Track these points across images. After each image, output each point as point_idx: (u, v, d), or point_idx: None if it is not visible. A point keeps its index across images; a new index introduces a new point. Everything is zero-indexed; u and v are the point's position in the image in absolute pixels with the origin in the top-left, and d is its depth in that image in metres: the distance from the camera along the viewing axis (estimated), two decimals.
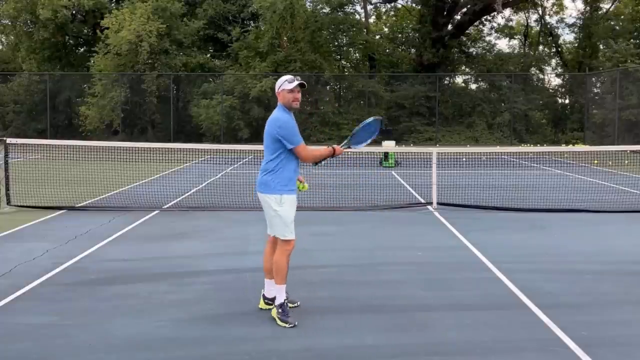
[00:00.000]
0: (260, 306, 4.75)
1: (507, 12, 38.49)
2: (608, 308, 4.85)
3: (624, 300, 5.05)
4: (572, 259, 6.51)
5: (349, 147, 4.76)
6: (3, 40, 39.70)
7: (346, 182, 13.26)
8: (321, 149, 4.55)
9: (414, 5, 39.45)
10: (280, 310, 4.39)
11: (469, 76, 37.89)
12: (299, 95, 4.47)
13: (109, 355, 3.89)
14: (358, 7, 37.83)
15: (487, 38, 40.22)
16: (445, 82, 35.38)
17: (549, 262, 6.35)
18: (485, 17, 37.97)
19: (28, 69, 32.82)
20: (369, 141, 4.89)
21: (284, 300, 4.43)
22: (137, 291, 5.28)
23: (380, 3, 41.23)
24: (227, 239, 7.57)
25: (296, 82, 4.41)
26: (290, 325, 4.27)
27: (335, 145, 4.62)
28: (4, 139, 10.04)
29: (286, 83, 4.43)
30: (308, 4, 32.65)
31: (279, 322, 4.33)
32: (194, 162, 19.01)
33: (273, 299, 4.66)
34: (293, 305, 4.70)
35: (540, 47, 40.31)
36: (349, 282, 5.59)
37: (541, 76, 38.13)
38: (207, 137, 29.56)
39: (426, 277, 5.77)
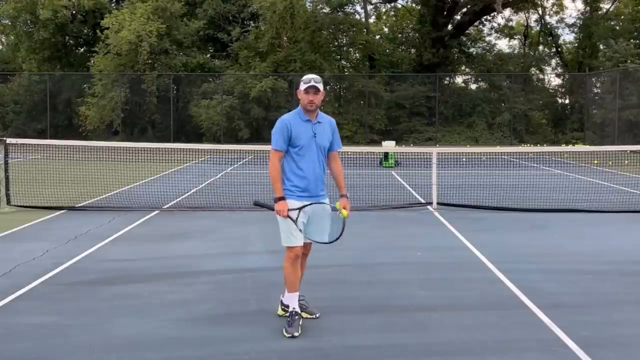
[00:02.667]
0: (278, 313, 4.61)
1: (507, 12, 38.56)
2: (608, 308, 4.85)
3: (624, 300, 5.05)
4: (572, 259, 6.51)
5: (294, 220, 4.24)
6: (3, 40, 39.74)
7: (346, 182, 13.24)
8: (277, 184, 4.25)
9: (414, 5, 39.49)
10: (288, 319, 4.30)
11: (469, 76, 37.93)
12: (314, 97, 4.26)
13: (109, 355, 3.89)
14: (358, 7, 37.91)
15: (487, 38, 40.33)
16: (445, 82, 35.39)
17: (549, 262, 6.34)
18: (485, 17, 38.00)
19: (28, 69, 32.83)
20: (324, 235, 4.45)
21: (293, 309, 4.33)
22: (137, 291, 5.28)
23: (380, 3, 41.27)
24: (227, 239, 7.57)
25: (308, 84, 4.25)
26: (289, 335, 4.16)
27: (284, 202, 4.23)
28: (4, 139, 10.04)
29: (302, 84, 4.29)
30: (308, 4, 32.67)
31: (283, 330, 4.25)
32: (194, 162, 19.01)
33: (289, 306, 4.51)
34: (311, 317, 4.54)
35: (540, 47, 40.34)
36: (349, 282, 5.59)
37: (541, 76, 38.20)
38: (207, 137, 29.57)
39: (426, 277, 5.76)
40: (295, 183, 4.32)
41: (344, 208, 4.37)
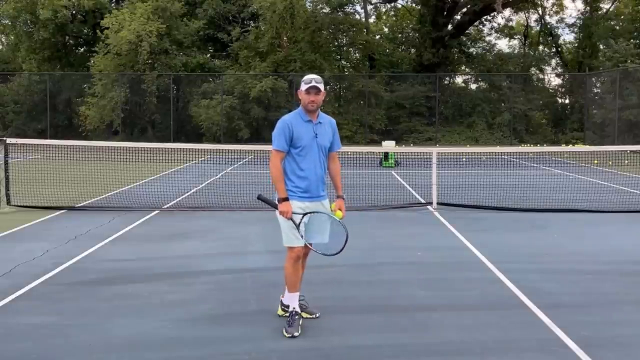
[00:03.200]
0: (278, 313, 4.61)
1: (507, 12, 38.58)
2: (608, 308, 4.85)
3: (624, 300, 5.05)
4: (572, 259, 6.51)
5: (297, 225, 4.23)
6: (3, 40, 39.75)
7: (346, 182, 13.22)
8: (280, 184, 4.23)
9: (414, 5, 39.50)
10: (288, 319, 4.31)
11: (469, 76, 37.94)
12: (315, 98, 4.22)
13: (108, 355, 3.89)
14: (358, 7, 37.92)
15: (487, 38, 40.36)
16: (445, 82, 35.40)
17: (549, 262, 6.35)
18: (485, 17, 38.00)
19: (28, 69, 32.83)
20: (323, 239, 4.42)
21: (293, 308, 4.33)
22: (137, 291, 5.28)
23: (380, 3, 41.28)
24: (227, 239, 7.57)
25: (309, 85, 4.21)
26: (289, 335, 4.17)
27: (289, 202, 4.22)
28: (4, 139, 10.04)
29: (302, 84, 4.25)
30: (308, 4, 32.68)
31: (283, 330, 4.25)
32: (194, 162, 19.02)
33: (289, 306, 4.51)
34: (311, 316, 4.53)
35: (540, 47, 40.35)
36: (349, 282, 5.59)
37: (541, 76, 38.20)
38: (207, 137, 29.57)
39: (426, 277, 5.76)
40: (297, 184, 4.30)
41: (340, 209, 4.35)
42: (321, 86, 4.26)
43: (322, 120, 4.38)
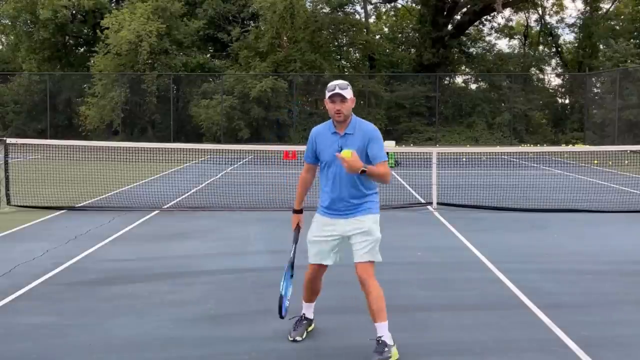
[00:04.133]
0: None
1: (507, 12, 38.60)
2: (608, 308, 4.85)
3: (624, 300, 5.05)
4: (572, 259, 6.51)
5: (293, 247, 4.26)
6: (3, 40, 39.75)
7: None
8: (297, 196, 4.22)
9: (414, 5, 39.51)
10: (295, 322, 4.27)
11: (469, 76, 37.95)
12: (341, 106, 3.76)
13: (108, 355, 3.89)
14: (358, 7, 37.93)
15: (487, 38, 40.37)
16: (445, 82, 35.40)
17: (549, 262, 6.35)
18: (485, 17, 38.01)
19: (28, 69, 32.82)
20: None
21: (303, 314, 4.30)
22: (137, 291, 5.28)
23: (380, 3, 41.30)
24: (227, 239, 7.57)
25: (332, 92, 3.78)
26: (291, 339, 4.14)
27: (296, 215, 4.20)
28: (4, 139, 10.04)
29: (326, 92, 3.83)
30: (308, 4, 32.69)
31: (289, 334, 4.21)
32: (194, 162, 19.01)
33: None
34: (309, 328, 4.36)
35: (540, 47, 40.36)
36: (349, 282, 5.56)
37: (541, 76, 38.21)
38: (207, 137, 29.57)
39: (426, 277, 5.77)
40: (323, 198, 4.04)
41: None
42: (347, 92, 3.77)
43: (351, 132, 3.85)
